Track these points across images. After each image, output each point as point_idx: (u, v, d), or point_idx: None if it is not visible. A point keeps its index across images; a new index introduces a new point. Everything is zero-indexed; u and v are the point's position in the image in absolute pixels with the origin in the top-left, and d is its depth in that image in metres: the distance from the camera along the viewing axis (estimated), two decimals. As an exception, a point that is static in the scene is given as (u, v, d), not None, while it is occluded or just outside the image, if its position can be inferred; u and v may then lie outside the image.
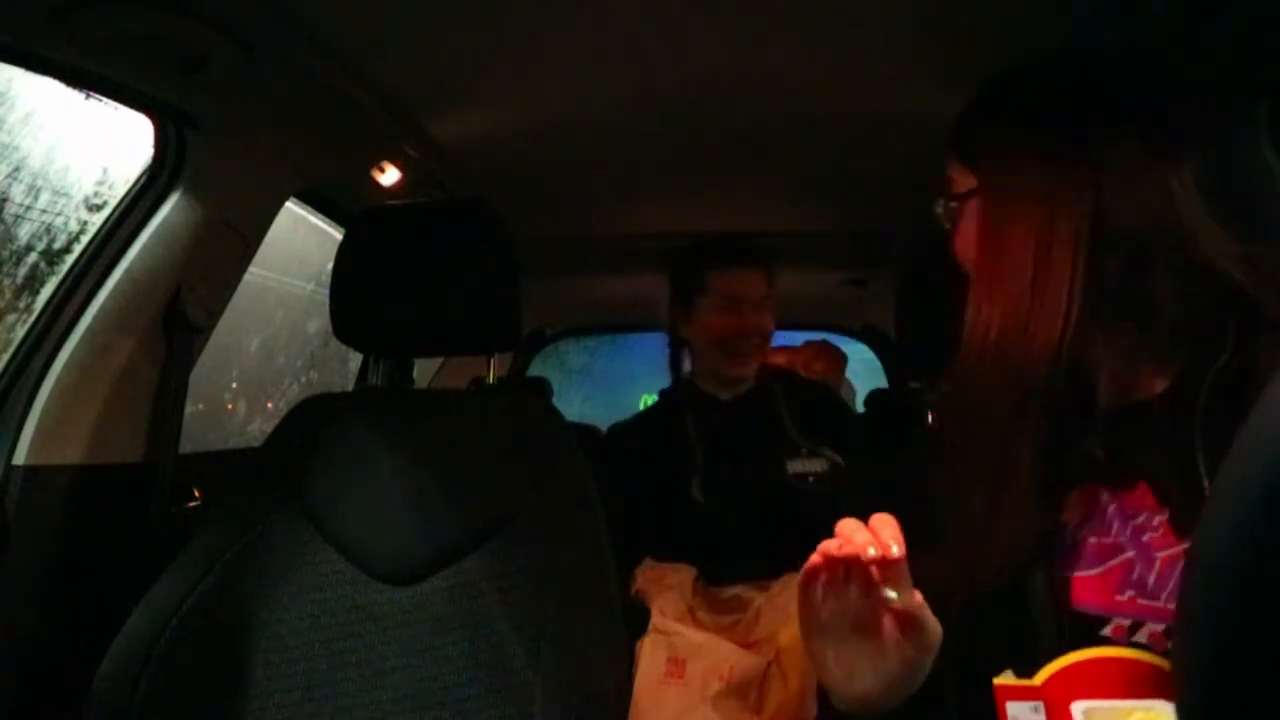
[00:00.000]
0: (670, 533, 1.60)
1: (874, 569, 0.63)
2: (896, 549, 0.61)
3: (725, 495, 1.62)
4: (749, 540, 1.56)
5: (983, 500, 0.71)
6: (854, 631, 0.66)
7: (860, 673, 0.67)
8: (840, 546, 0.62)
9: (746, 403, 1.72)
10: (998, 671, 0.67)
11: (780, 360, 2.48)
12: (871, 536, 0.62)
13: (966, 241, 0.81)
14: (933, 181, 0.89)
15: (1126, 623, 0.68)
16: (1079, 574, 0.71)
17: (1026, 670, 0.65)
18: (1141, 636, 0.67)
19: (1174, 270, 0.69)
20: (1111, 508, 0.72)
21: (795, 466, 1.61)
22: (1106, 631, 0.69)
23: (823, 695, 0.78)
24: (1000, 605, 0.72)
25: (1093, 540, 0.72)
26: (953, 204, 0.83)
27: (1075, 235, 0.70)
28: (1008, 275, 0.72)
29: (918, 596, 0.65)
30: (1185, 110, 0.74)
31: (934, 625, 0.67)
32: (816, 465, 1.60)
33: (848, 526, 0.63)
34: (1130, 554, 0.70)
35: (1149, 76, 0.77)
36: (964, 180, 0.82)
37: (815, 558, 0.63)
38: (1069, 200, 0.71)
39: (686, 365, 1.84)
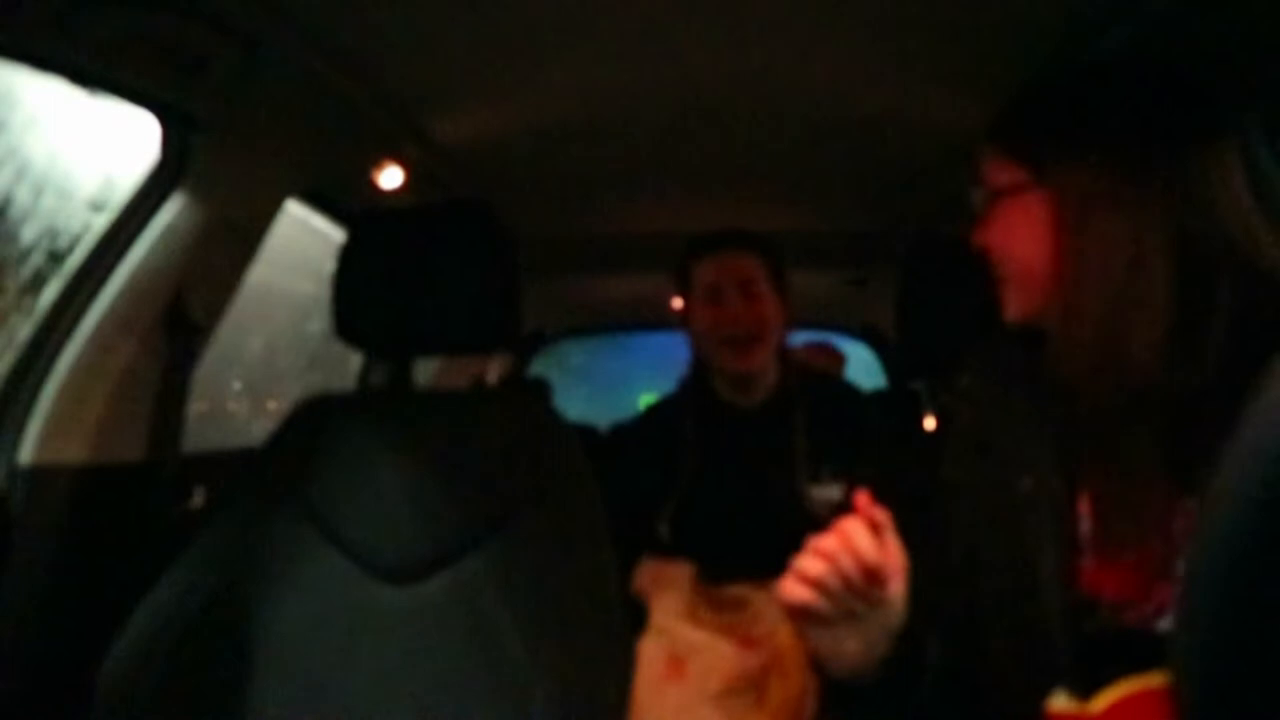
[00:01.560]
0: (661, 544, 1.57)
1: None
2: (873, 557, 0.66)
3: (720, 512, 1.53)
4: (745, 551, 1.52)
5: (1115, 499, 0.71)
6: (843, 618, 0.70)
7: (848, 647, 0.71)
8: (825, 569, 0.66)
9: (765, 415, 1.59)
10: (1016, 663, 0.68)
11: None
12: (853, 558, 0.66)
13: (1006, 236, 0.80)
14: (917, 177, 0.88)
15: (1150, 609, 0.68)
16: (1095, 562, 0.72)
17: (1080, 691, 0.65)
18: (1168, 623, 0.67)
19: (1237, 279, 0.70)
20: None
21: (815, 493, 1.50)
22: (1128, 619, 0.69)
23: (823, 695, 0.79)
24: (1016, 596, 0.72)
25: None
26: (991, 196, 0.81)
27: (1166, 247, 0.70)
28: (1095, 283, 0.72)
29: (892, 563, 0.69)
30: (1239, 116, 0.74)
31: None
32: (835, 493, 1.48)
33: (828, 544, 0.67)
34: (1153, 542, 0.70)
35: (1220, 85, 0.76)
36: (1006, 173, 0.80)
37: (802, 592, 0.67)
38: (1158, 213, 0.71)
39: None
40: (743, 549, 1.47)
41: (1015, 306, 0.82)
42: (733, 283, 1.56)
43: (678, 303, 1.73)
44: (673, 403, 1.72)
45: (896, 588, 0.70)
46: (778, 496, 1.51)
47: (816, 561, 0.67)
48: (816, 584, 0.66)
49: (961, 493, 0.81)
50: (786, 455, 1.53)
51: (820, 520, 0.82)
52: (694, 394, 1.66)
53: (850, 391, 1.78)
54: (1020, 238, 0.78)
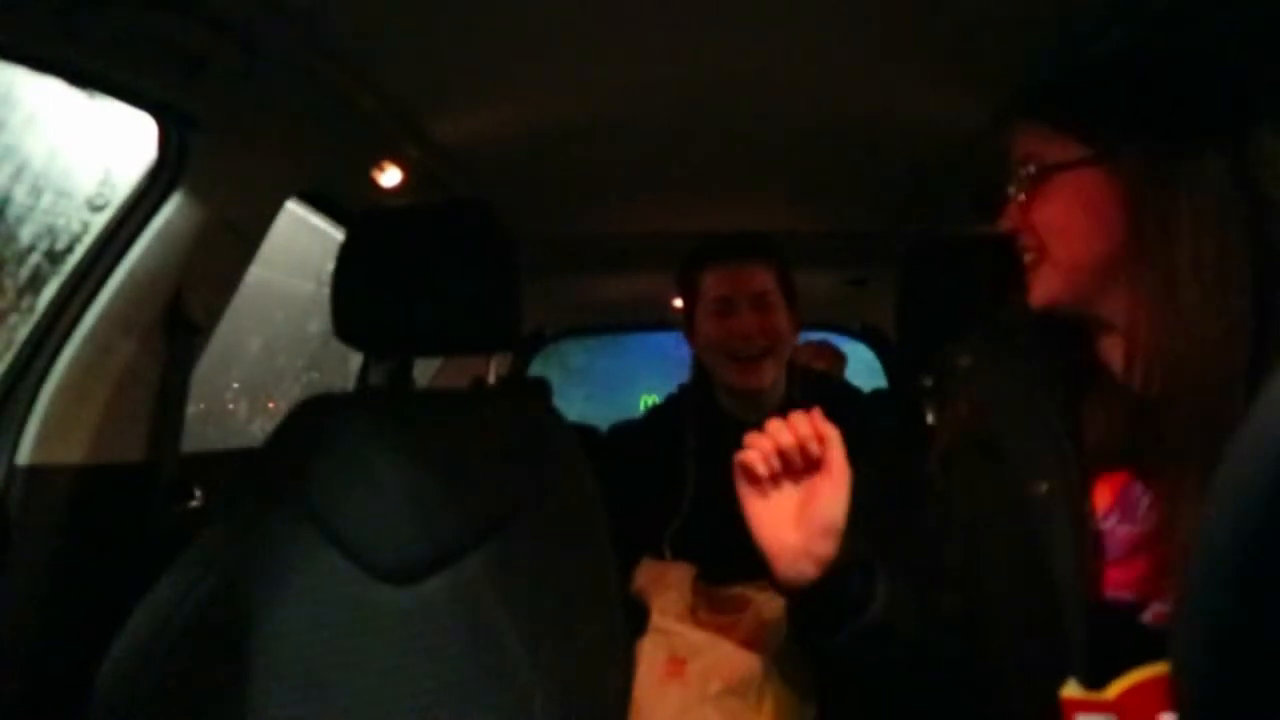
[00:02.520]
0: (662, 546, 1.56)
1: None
2: (806, 432, 0.84)
3: (723, 528, 1.52)
4: (747, 564, 1.50)
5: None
6: (780, 489, 0.86)
7: (788, 537, 0.86)
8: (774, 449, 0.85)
9: None
10: (1024, 664, 0.67)
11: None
12: (791, 431, 0.84)
13: (1053, 214, 0.75)
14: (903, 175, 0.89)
15: (1166, 608, 0.67)
16: (1110, 562, 0.71)
17: (1094, 682, 0.65)
18: None
19: None
20: (1144, 497, 0.71)
21: None
22: (1146, 618, 0.68)
23: (823, 696, 0.79)
24: (1027, 597, 0.72)
25: (1124, 529, 0.71)
26: (1035, 173, 0.77)
27: (1245, 234, 0.68)
28: (1188, 270, 0.68)
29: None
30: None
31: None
32: None
33: (773, 423, 0.85)
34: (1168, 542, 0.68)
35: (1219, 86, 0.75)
36: (1058, 149, 0.75)
37: (749, 454, 0.86)
38: (1232, 197, 0.68)
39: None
40: (744, 562, 1.46)
41: (1052, 290, 0.77)
42: (744, 296, 1.51)
43: (679, 303, 1.72)
44: (674, 407, 1.70)
45: (835, 492, 0.82)
46: None
47: (760, 434, 0.85)
48: (758, 447, 0.85)
49: (961, 492, 0.80)
50: None
51: None
52: (696, 402, 1.63)
53: (851, 392, 1.78)
54: (1073, 216, 0.74)
